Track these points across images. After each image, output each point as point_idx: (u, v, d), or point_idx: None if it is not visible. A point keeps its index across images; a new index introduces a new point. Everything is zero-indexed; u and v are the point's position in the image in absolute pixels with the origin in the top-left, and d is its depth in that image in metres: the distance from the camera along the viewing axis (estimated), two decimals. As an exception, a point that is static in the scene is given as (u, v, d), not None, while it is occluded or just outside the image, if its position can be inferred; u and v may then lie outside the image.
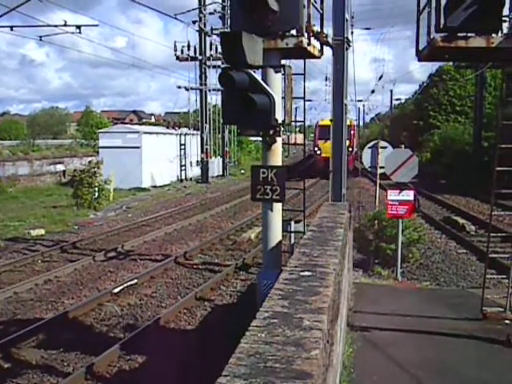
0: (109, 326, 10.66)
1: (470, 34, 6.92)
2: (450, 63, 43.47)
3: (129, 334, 9.95)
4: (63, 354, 9.24)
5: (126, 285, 12.90)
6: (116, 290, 12.48)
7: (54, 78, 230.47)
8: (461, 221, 20.56)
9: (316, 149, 41.68)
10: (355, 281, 12.13)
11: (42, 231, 20.56)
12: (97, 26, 24.47)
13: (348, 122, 25.98)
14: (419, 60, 8.17)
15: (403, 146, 15.26)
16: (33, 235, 19.87)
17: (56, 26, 21.10)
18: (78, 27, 20.62)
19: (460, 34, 6.91)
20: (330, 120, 39.08)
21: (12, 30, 20.54)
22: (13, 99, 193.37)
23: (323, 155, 36.24)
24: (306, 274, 4.66)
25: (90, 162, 28.64)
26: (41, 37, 22.20)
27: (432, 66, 52.26)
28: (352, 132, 37.95)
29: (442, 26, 6.76)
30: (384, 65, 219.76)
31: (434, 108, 50.89)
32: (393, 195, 12.51)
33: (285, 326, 3.36)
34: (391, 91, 72.37)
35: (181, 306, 11.51)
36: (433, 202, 27.93)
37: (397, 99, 76.96)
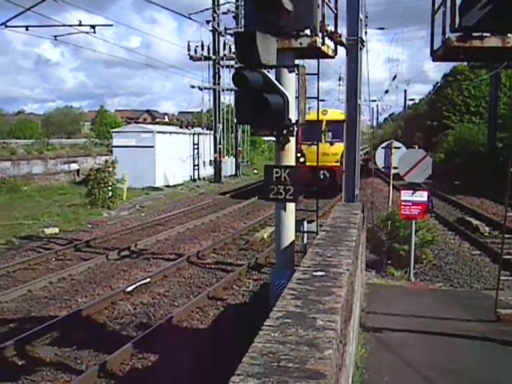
0: (122, 325, 10.70)
1: (485, 34, 6.87)
2: (465, 63, 43.23)
3: (141, 332, 9.99)
4: (77, 352, 9.29)
5: (138, 283, 12.95)
6: (129, 289, 12.54)
7: (69, 77, 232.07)
8: (475, 222, 20.41)
9: (299, 155, 34.38)
10: (368, 281, 12.11)
11: (56, 230, 20.69)
12: (111, 25, 24.57)
13: (340, 116, 21.35)
14: (434, 60, 8.13)
15: (417, 146, 15.22)
16: (47, 234, 20.01)
17: (71, 25, 21.22)
18: (93, 27, 20.73)
19: (475, 34, 6.87)
20: (323, 112, 24.48)
21: (27, 29, 20.69)
22: (28, 98, 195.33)
23: (308, 164, 29.48)
24: (320, 274, 4.66)
25: (106, 161, 28.79)
26: (56, 36, 22.35)
27: (447, 66, 52.03)
28: None
29: (456, 26, 6.72)
30: (398, 65, 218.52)
31: (448, 108, 50.52)
32: (406, 196, 12.46)
33: (298, 325, 3.36)
34: (405, 91, 72.16)
35: (193, 305, 11.53)
36: (446, 202, 27.78)
37: (411, 99, 76.66)
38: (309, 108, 20.84)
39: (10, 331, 10.31)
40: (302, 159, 28.94)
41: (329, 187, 27.23)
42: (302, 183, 31.88)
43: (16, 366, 8.80)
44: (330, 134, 28.65)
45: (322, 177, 28.33)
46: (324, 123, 27.95)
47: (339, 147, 25.83)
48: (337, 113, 29.58)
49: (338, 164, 26.05)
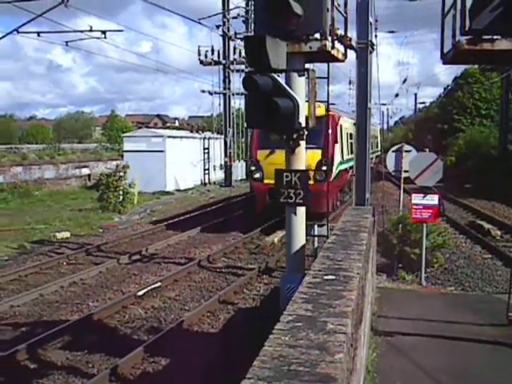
0: (133, 329, 10.73)
1: (495, 37, 6.84)
2: (476, 66, 43.09)
3: (153, 336, 10.01)
4: (88, 356, 9.32)
5: (149, 288, 12.98)
6: (140, 293, 12.57)
7: (80, 82, 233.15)
8: (486, 225, 20.29)
9: (253, 168, 20.99)
10: (379, 285, 12.08)
11: (68, 234, 20.79)
12: (122, 31, 24.72)
13: (319, 111, 17.15)
14: (444, 63, 8.10)
15: (428, 149, 15.17)
16: (58, 238, 20.12)
17: (82, 31, 21.37)
18: (103, 32, 20.86)
19: (485, 37, 6.83)
20: None
21: (39, 35, 20.84)
22: (39, 104, 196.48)
23: (266, 182, 19.43)
24: (330, 277, 4.66)
25: (116, 165, 28.92)
26: (67, 42, 22.51)
27: (457, 69, 51.80)
28: (331, 128, 20.46)
29: (467, 29, 6.69)
30: (408, 68, 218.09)
31: (459, 111, 50.33)
32: (417, 199, 12.42)
33: (309, 329, 3.36)
34: (415, 94, 71.88)
35: (204, 309, 11.54)
36: (458, 206, 27.64)
37: (421, 103, 76.38)
38: None
39: (22, 335, 10.36)
40: (256, 175, 20.39)
41: None
42: (260, 208, 21.15)
43: (28, 370, 8.84)
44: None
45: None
46: None
47: (315, 156, 18.34)
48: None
49: (312, 182, 18.21)
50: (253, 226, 20.53)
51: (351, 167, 23.70)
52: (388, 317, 9.75)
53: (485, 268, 14.81)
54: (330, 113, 16.59)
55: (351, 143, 24.81)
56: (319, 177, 18.15)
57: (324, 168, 18.48)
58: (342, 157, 22.40)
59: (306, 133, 7.39)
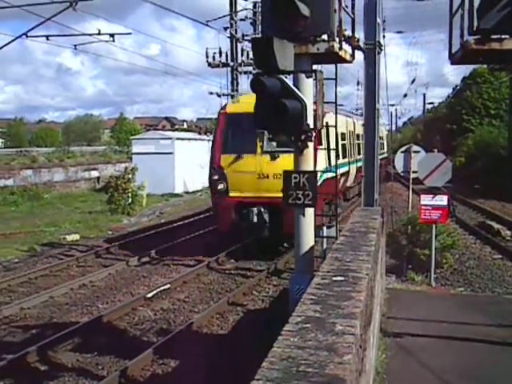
0: (142, 331, 10.75)
1: (504, 36, 6.81)
2: (484, 66, 42.87)
3: (162, 338, 10.02)
4: (98, 358, 9.35)
5: (158, 290, 13.01)
6: (149, 295, 12.60)
7: (89, 85, 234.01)
8: (496, 226, 20.21)
9: (215, 177, 16.73)
10: (388, 286, 12.04)
11: (77, 236, 20.89)
12: (130, 34, 24.89)
13: None
14: (452, 63, 8.07)
15: (436, 150, 15.12)
16: (68, 240, 20.21)
17: (90, 34, 21.45)
18: (112, 35, 20.90)
19: (494, 36, 6.81)
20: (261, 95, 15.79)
21: (48, 39, 20.92)
22: (49, 107, 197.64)
23: (233, 195, 16.27)
24: (339, 278, 4.65)
25: (125, 168, 29.02)
26: (76, 45, 22.58)
27: (466, 69, 51.62)
28: None
29: (475, 29, 6.67)
30: (417, 68, 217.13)
31: (468, 111, 50.11)
32: (426, 200, 12.38)
33: (317, 330, 3.36)
34: (424, 95, 71.42)
35: (213, 311, 11.55)
36: (467, 206, 27.53)
37: (430, 103, 75.98)
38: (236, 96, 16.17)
39: (32, 337, 10.41)
40: (219, 186, 15.99)
41: (270, 237, 16.21)
42: (224, 230, 17.07)
43: (38, 372, 8.88)
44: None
45: (254, 219, 15.90)
46: None
47: (290, 162, 13.34)
48: None
49: None
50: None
51: (345, 173, 21.28)
52: (397, 318, 9.72)
53: (495, 269, 14.74)
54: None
55: (344, 144, 22.29)
56: None
57: None
58: (330, 162, 17.07)
59: (313, 134, 7.36)
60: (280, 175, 12.60)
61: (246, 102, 14.33)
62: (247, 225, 15.89)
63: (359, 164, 22.77)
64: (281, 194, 12.17)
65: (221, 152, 16.47)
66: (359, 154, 25.33)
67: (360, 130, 25.21)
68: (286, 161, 14.13)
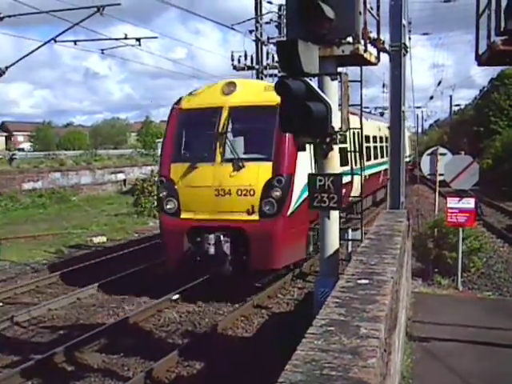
0: (168, 332, 10.81)
1: (532, 37, 6.72)
2: (513, 67, 42.28)
3: (187, 340, 10.07)
4: (123, 359, 9.43)
5: (181, 289, 12.99)
6: (175, 297, 12.64)
7: (116, 89, 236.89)
8: (525, 229, 19.93)
9: (164, 193, 12.87)
10: (414, 290, 11.93)
11: (104, 238, 21.10)
12: (156, 38, 24.91)
13: (263, 96, 11.87)
14: (479, 64, 7.98)
15: (463, 152, 14.97)
16: (95, 242, 20.42)
17: (117, 39, 21.62)
18: (138, 40, 21.06)
19: (522, 37, 6.73)
20: (224, 88, 12.62)
21: (75, 44, 21.18)
22: (76, 111, 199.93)
23: (185, 216, 12.63)
24: (363, 282, 4.64)
25: (151, 171, 29.24)
26: (103, 50, 22.83)
27: (493, 71, 51.02)
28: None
29: (502, 29, 6.58)
30: (443, 70, 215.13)
31: (495, 113, 49.49)
32: (452, 203, 12.26)
33: (341, 333, 3.35)
34: (451, 97, 70.92)
35: (238, 314, 11.56)
36: (495, 209, 27.17)
37: (456, 105, 75.35)
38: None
39: (59, 338, 10.55)
40: (169, 205, 12.57)
41: (234, 268, 12.18)
42: (173, 260, 12.71)
43: (65, 372, 8.99)
44: (235, 140, 12.46)
45: (210, 250, 12.00)
46: (224, 114, 12.54)
47: (260, 172, 12.09)
48: (255, 88, 13.23)
49: (255, 217, 11.91)
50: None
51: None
52: (424, 322, 9.63)
53: (523, 273, 14.53)
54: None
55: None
56: (268, 209, 11.79)
57: (277, 193, 11.82)
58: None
59: (338, 136, 7.33)
60: (246, 191, 11.78)
61: (207, 93, 12.74)
62: (202, 257, 12.06)
63: (370, 171, 20.95)
64: (247, 217, 11.15)
65: (171, 160, 12.95)
66: (376, 157, 24.05)
67: (374, 131, 23.96)
68: (253, 171, 11.95)
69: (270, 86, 10.44)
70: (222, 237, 11.91)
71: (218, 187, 12.08)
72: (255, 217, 11.72)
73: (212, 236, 11.90)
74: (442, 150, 16.35)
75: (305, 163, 12.21)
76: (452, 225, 12.58)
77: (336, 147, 7.49)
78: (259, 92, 12.53)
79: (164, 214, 12.78)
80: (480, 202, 22.61)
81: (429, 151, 16.59)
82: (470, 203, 12.25)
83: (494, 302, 11.66)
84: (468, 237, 13.69)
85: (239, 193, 11.92)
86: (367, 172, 19.17)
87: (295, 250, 12.67)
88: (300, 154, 11.64)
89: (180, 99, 13.52)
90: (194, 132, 13.07)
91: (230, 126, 12.38)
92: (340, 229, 8.07)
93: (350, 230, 10.59)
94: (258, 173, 11.87)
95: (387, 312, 3.91)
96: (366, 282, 4.63)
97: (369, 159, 21.87)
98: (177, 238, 12.37)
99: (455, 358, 7.91)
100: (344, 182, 7.75)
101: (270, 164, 11.91)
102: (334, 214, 7.74)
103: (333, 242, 7.78)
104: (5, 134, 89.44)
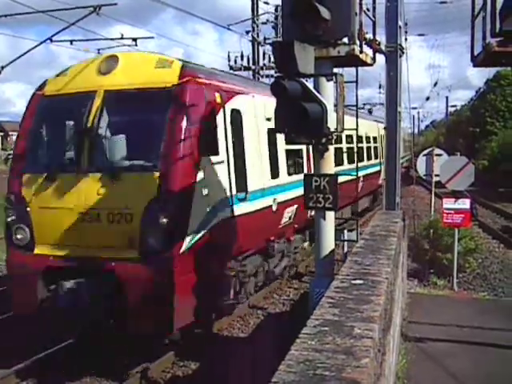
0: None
1: (527, 38, 6.75)
2: (508, 68, 42.42)
3: (183, 340, 10.05)
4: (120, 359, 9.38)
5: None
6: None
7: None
8: (520, 230, 19.99)
9: (12, 217, 8.85)
10: (410, 290, 11.96)
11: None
12: (152, 38, 24.89)
13: (152, 75, 8.51)
14: (474, 65, 8.02)
15: (459, 153, 15.02)
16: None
17: (113, 39, 21.59)
18: (135, 40, 21.06)
19: (517, 39, 6.75)
20: (101, 64, 8.98)
21: (72, 43, 21.15)
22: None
23: (40, 251, 8.51)
24: (358, 282, 4.65)
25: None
26: (99, 50, 22.80)
27: (490, 72, 51.20)
28: (190, 116, 8.29)
29: (497, 31, 6.61)
30: (439, 71, 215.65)
31: (492, 114, 49.67)
32: (448, 204, 12.30)
33: (335, 333, 3.36)
34: (447, 98, 71.19)
35: (234, 314, 11.55)
36: (490, 210, 27.23)
37: (452, 106, 75.61)
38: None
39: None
40: (19, 234, 8.76)
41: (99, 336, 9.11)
42: (21, 307, 8.48)
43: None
44: (112, 140, 8.58)
45: (60, 301, 8.00)
46: (97, 102, 8.67)
47: (140, 188, 8.15)
48: (144, 64, 9.00)
49: (134, 255, 8.02)
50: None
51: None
52: (419, 322, 9.64)
53: (518, 273, 14.57)
54: (197, 79, 8.56)
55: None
56: (153, 242, 8.02)
57: (164, 220, 7.98)
58: (245, 187, 9.94)
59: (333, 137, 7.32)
60: (121, 216, 8.00)
61: (80, 72, 9.11)
62: (55, 312, 8.31)
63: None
64: (122, 254, 7.72)
65: (22, 169, 9.10)
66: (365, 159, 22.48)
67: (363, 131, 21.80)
68: (131, 186, 8.16)
69: (166, 60, 8.19)
70: (82, 284, 8.02)
71: (82, 210, 8.28)
72: (133, 254, 7.98)
73: (67, 284, 8.00)
74: (437, 150, 16.39)
75: (213, 171, 8.90)
76: (448, 225, 12.61)
77: (331, 147, 7.51)
78: (148, 70, 8.79)
79: (13, 247, 8.93)
80: (475, 203, 22.63)
81: (425, 152, 16.63)
82: (465, 204, 12.28)
83: (489, 303, 11.68)
84: (463, 237, 13.73)
85: (111, 218, 8.14)
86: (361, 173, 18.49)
87: (199, 302, 8.48)
88: (205, 159, 8.54)
89: (45, 82, 9.73)
90: (56, 128, 9.44)
91: (106, 119, 8.63)
92: (335, 229, 8.09)
93: (345, 231, 10.58)
94: (139, 188, 8.12)
95: (381, 312, 3.92)
96: (361, 282, 4.64)
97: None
98: (27, 282, 8.45)
99: (450, 359, 7.92)
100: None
101: (156, 175, 8.10)
102: (330, 215, 7.75)
103: (328, 242, 7.80)
104: (1, 133, 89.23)
